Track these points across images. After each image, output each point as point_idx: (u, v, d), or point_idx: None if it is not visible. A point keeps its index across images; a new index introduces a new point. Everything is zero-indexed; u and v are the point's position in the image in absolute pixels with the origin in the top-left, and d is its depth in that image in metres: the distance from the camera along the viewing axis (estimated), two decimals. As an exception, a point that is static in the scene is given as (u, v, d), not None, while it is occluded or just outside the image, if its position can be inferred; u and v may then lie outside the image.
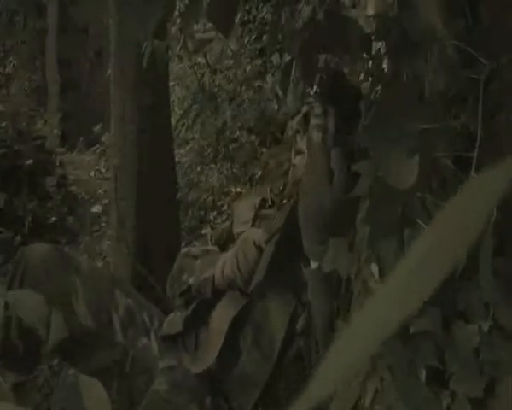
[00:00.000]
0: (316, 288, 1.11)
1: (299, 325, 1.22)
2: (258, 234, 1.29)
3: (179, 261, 1.47)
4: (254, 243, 1.27)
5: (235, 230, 1.41)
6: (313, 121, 1.06)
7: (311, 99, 1.09)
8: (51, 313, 1.32)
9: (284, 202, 1.34)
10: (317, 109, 1.05)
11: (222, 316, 1.33)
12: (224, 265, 1.32)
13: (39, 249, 1.41)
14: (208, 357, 1.32)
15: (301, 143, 1.21)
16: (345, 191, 0.98)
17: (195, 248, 1.52)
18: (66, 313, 1.34)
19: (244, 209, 1.41)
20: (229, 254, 1.34)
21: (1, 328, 1.33)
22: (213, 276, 1.34)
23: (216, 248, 1.45)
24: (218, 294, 1.35)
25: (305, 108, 1.13)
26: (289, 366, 1.28)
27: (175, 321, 1.42)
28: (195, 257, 1.44)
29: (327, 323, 1.11)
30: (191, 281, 1.38)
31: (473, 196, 0.19)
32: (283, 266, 1.24)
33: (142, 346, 1.43)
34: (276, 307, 1.27)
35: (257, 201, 1.39)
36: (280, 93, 3.12)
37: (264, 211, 1.37)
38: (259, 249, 1.26)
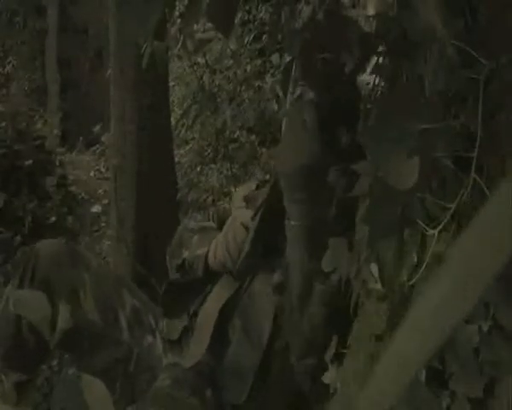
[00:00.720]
0: (294, 241, 1.10)
1: (275, 278, 1.20)
2: (245, 214, 1.29)
3: (178, 235, 1.47)
4: (242, 224, 1.27)
5: (233, 214, 1.41)
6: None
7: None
8: (56, 312, 1.33)
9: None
10: (311, 94, 1.06)
11: (212, 305, 1.34)
12: (216, 248, 1.32)
13: (50, 245, 1.42)
14: (198, 350, 1.33)
15: None
16: (317, 140, 1.00)
17: (194, 223, 1.51)
18: (74, 307, 1.35)
19: (241, 194, 1.42)
20: (220, 237, 1.34)
21: (7, 326, 1.34)
22: (206, 255, 1.34)
23: (213, 225, 1.46)
24: (212, 275, 1.35)
25: (298, 91, 1.13)
26: (282, 350, 1.27)
27: (174, 326, 1.43)
28: (194, 231, 1.44)
29: (304, 280, 1.10)
30: (186, 255, 1.38)
31: (503, 206, 0.17)
32: (269, 237, 1.24)
33: (147, 345, 1.43)
34: (263, 292, 1.27)
35: (253, 185, 1.40)
36: (280, 93, 3.11)
37: (250, 193, 1.37)
38: (248, 230, 1.27)
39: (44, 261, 1.37)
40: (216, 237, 1.36)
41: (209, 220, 1.51)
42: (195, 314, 1.39)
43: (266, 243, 1.26)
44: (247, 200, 1.36)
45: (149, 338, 1.45)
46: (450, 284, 0.17)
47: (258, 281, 1.29)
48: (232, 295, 1.31)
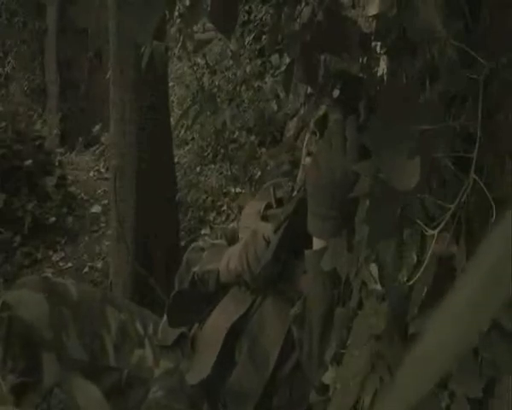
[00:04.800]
0: (315, 272, 1.09)
1: (293, 311, 1.19)
2: (267, 228, 1.28)
3: (187, 256, 1.46)
4: (264, 238, 1.26)
5: (241, 235, 1.40)
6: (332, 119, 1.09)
7: (327, 100, 1.09)
8: (40, 363, 1.30)
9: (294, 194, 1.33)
10: (337, 115, 1.06)
11: (221, 319, 1.32)
12: (229, 259, 1.31)
13: (27, 293, 1.35)
14: (204, 368, 1.30)
15: (315, 145, 1.19)
16: (356, 161, 1.00)
17: (203, 242, 1.50)
18: (58, 352, 1.32)
19: (249, 216, 1.40)
20: (236, 248, 1.32)
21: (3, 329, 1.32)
22: (218, 269, 1.32)
23: (224, 242, 1.44)
24: (222, 288, 1.34)
25: (323, 109, 1.12)
26: (288, 377, 1.25)
27: (170, 331, 1.41)
28: (202, 250, 1.43)
29: (325, 311, 1.09)
30: (195, 269, 1.36)
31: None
32: (289, 253, 1.23)
33: (136, 360, 1.40)
34: (272, 319, 1.26)
35: (261, 207, 1.38)
36: (282, 93, 3.12)
37: (271, 211, 1.36)
38: (269, 243, 1.26)
39: (22, 315, 1.30)
40: (229, 249, 1.34)
41: (218, 239, 1.50)
42: (200, 322, 1.37)
43: (284, 260, 1.25)
44: (268, 217, 1.34)
45: (138, 352, 1.42)
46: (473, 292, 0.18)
47: (270, 303, 1.27)
48: (241, 317, 1.28)
